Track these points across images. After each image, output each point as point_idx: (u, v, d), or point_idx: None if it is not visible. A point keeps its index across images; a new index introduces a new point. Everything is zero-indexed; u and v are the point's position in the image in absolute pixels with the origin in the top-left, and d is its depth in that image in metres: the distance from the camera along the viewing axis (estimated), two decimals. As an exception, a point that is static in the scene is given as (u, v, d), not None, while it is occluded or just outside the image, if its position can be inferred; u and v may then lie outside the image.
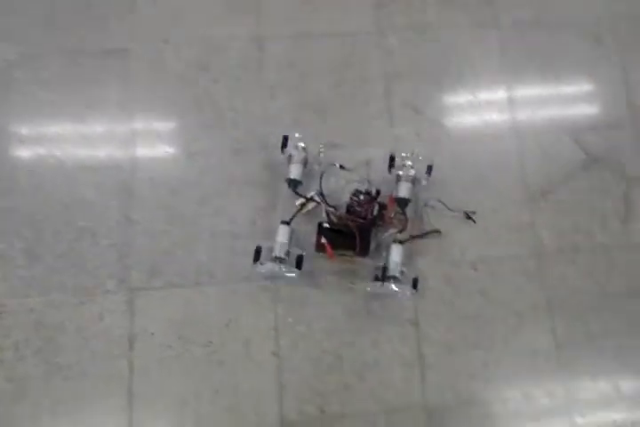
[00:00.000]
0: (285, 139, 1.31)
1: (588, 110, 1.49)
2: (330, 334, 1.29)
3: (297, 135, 1.32)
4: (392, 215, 1.29)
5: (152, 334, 1.27)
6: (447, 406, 1.26)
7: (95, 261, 1.30)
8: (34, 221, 1.32)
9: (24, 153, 1.38)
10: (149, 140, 1.41)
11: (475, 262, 1.35)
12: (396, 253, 1.25)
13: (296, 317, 1.29)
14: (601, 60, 1.52)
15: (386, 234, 1.31)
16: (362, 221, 1.25)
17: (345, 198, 1.28)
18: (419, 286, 1.24)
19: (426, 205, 1.37)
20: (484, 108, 1.47)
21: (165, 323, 1.27)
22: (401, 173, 1.31)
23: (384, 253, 1.27)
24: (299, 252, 1.24)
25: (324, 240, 1.24)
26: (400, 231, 1.29)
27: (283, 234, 1.24)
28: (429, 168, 1.31)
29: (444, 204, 1.36)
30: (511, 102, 1.48)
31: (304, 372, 1.26)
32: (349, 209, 1.26)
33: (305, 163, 1.32)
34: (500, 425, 1.26)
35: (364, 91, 1.47)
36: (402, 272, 1.24)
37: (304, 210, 1.30)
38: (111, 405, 1.23)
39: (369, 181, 1.31)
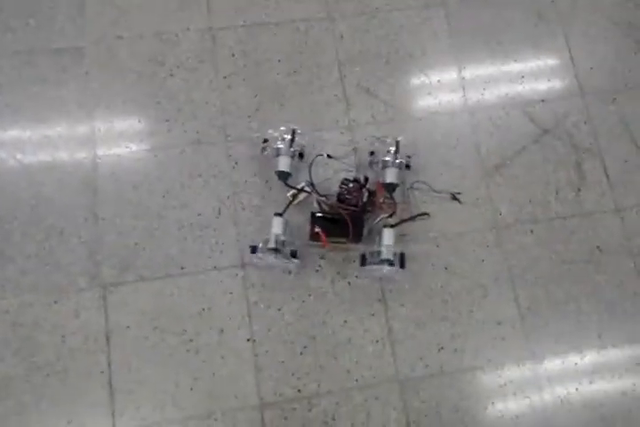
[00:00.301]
0: (265, 141, 1.35)
1: (535, 84, 1.52)
2: (301, 317, 1.32)
3: (282, 128, 1.36)
4: (381, 201, 1.33)
5: (127, 327, 1.29)
6: (419, 378, 1.31)
7: (66, 260, 1.32)
8: (1, 224, 1.33)
9: (-16, 157, 1.38)
10: (110, 137, 1.42)
11: (437, 238, 1.39)
12: (387, 237, 1.28)
13: (267, 302, 1.32)
14: (545, 34, 1.56)
15: (377, 219, 1.35)
16: (353, 208, 1.28)
17: (334, 187, 1.32)
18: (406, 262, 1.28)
19: (411, 187, 1.40)
20: (435, 87, 1.50)
21: (140, 316, 1.30)
22: (387, 158, 1.34)
23: (377, 238, 1.30)
24: (292, 245, 1.28)
25: (317, 229, 1.27)
26: (390, 216, 1.33)
27: (277, 225, 1.27)
28: (397, 144, 1.35)
29: (429, 186, 1.40)
30: (462, 80, 1.51)
31: (279, 355, 1.30)
32: (340, 197, 1.30)
33: (293, 155, 1.34)
34: (471, 393, 1.31)
35: (319, 76, 1.49)
36: (394, 254, 1.27)
37: (295, 201, 1.33)
38: (93, 399, 1.25)
39: (357, 169, 1.35)
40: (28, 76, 1.44)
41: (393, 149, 1.35)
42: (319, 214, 1.29)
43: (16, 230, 1.33)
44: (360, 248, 1.32)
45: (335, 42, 1.52)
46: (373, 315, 1.33)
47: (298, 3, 1.54)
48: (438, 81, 1.51)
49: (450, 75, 1.52)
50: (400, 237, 1.36)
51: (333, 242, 1.29)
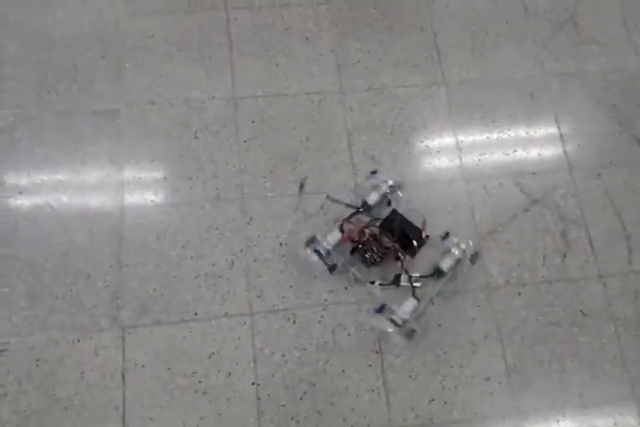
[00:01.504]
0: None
1: (527, 158, 1.66)
2: (303, 365, 1.42)
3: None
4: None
5: (142, 366, 1.39)
6: (410, 427, 1.39)
7: (90, 302, 1.43)
8: (34, 266, 1.45)
9: (24, 204, 1.52)
10: (137, 191, 1.55)
11: (432, 297, 1.50)
12: (409, 305, 1.40)
13: (272, 349, 1.42)
14: (536, 113, 1.72)
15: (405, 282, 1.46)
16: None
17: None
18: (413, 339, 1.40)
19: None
20: (434, 156, 1.64)
21: (154, 357, 1.40)
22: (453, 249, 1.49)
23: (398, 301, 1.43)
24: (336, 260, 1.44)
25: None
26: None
27: (334, 237, 1.44)
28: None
29: None
30: (459, 151, 1.66)
31: (280, 399, 1.39)
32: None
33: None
34: (458, 443, 1.39)
35: (329, 144, 1.64)
36: (404, 322, 1.38)
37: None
38: (106, 433, 1.34)
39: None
40: (68, 134, 1.59)
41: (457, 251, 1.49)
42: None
43: (47, 272, 1.45)
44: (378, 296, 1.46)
45: (345, 113, 1.67)
46: (370, 365, 1.43)
47: (312, 77, 1.71)
48: (437, 152, 1.65)
49: (448, 146, 1.66)
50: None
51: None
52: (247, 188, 1.56)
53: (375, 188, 1.52)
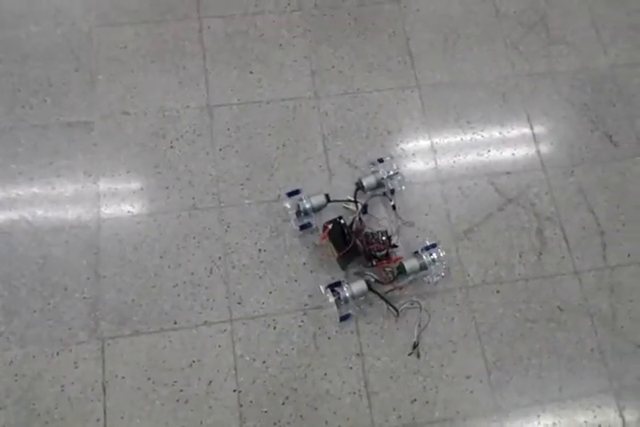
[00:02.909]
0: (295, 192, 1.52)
1: (501, 158, 1.68)
2: (284, 370, 1.43)
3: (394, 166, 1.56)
4: (386, 269, 1.49)
5: (123, 377, 1.39)
6: (393, 429, 1.40)
7: (68, 315, 1.43)
8: (10, 281, 1.45)
9: (-1, 219, 1.52)
10: (113, 202, 1.56)
11: (411, 297, 1.51)
12: (356, 287, 1.43)
13: (252, 355, 1.43)
14: (509, 114, 1.74)
15: (369, 272, 1.49)
16: (364, 248, 1.45)
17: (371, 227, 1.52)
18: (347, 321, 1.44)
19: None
20: (410, 158, 1.66)
21: (135, 367, 1.40)
22: (422, 254, 1.50)
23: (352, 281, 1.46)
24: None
25: (329, 225, 1.44)
26: (381, 282, 1.48)
27: (317, 199, 1.50)
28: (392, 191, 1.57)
29: None
30: (434, 154, 1.67)
31: (262, 405, 1.40)
32: (366, 234, 1.46)
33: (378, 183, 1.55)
34: (442, 443, 1.41)
35: (305, 149, 1.65)
36: (346, 301, 1.42)
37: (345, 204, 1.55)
38: (87, 445, 1.34)
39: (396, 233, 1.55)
40: (42, 147, 1.59)
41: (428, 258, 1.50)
42: (342, 221, 1.45)
43: (23, 287, 1.45)
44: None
45: (320, 118, 1.69)
46: (351, 368, 1.44)
47: (287, 84, 1.72)
48: (413, 154, 1.67)
49: (423, 149, 1.68)
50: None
51: (329, 243, 1.45)
52: (224, 196, 1.57)
53: (374, 173, 1.55)
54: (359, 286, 1.42)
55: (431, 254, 1.47)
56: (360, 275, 1.48)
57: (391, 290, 1.48)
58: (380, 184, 1.55)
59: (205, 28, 1.76)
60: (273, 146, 1.64)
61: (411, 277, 1.49)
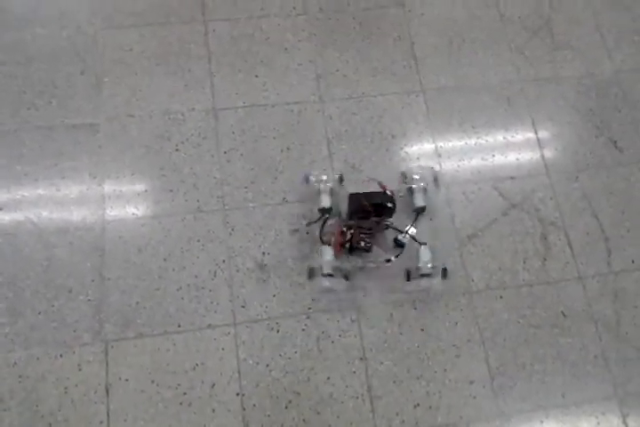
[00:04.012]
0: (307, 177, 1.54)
1: (505, 163, 1.68)
2: (287, 373, 1.43)
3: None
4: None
5: (126, 380, 1.39)
6: (395, 433, 1.40)
7: (72, 317, 1.43)
8: (15, 282, 1.45)
9: (4, 220, 1.52)
10: (118, 204, 1.56)
11: (415, 301, 1.51)
12: (424, 254, 1.45)
13: (256, 359, 1.43)
14: (514, 118, 1.74)
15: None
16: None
17: None
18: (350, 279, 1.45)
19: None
20: (414, 163, 1.66)
21: (138, 370, 1.40)
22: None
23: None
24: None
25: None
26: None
27: (327, 254, 1.44)
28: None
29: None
30: (438, 158, 1.67)
31: (265, 409, 1.39)
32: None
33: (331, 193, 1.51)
34: (444, 448, 1.40)
35: (310, 153, 1.65)
36: (432, 268, 1.44)
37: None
38: (90, 448, 1.34)
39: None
40: (48, 149, 1.59)
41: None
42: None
43: (28, 288, 1.45)
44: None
45: (325, 122, 1.69)
46: (354, 372, 1.44)
47: (292, 87, 1.72)
48: (417, 158, 1.67)
49: (427, 153, 1.68)
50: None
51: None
52: (228, 199, 1.57)
53: (320, 191, 1.53)
54: (327, 253, 1.44)
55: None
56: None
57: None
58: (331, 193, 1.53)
59: (211, 31, 1.76)
60: (278, 149, 1.64)
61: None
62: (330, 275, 1.41)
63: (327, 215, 1.50)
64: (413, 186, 1.55)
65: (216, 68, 1.72)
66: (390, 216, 1.49)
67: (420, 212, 1.53)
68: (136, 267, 1.48)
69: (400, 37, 1.80)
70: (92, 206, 1.54)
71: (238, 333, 1.44)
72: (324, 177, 1.52)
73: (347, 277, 1.43)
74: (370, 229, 1.46)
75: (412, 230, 1.50)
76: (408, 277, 1.44)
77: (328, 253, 1.44)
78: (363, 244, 1.45)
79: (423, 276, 1.43)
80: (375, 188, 1.49)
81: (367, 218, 1.47)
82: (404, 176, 1.57)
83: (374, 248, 1.48)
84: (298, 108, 1.69)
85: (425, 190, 1.55)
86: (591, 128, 1.74)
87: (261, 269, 1.50)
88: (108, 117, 1.64)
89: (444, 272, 1.43)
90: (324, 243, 1.46)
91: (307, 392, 1.41)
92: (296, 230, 1.53)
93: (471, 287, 1.53)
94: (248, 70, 1.72)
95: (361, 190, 1.48)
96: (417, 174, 1.56)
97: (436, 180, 1.56)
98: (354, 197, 1.47)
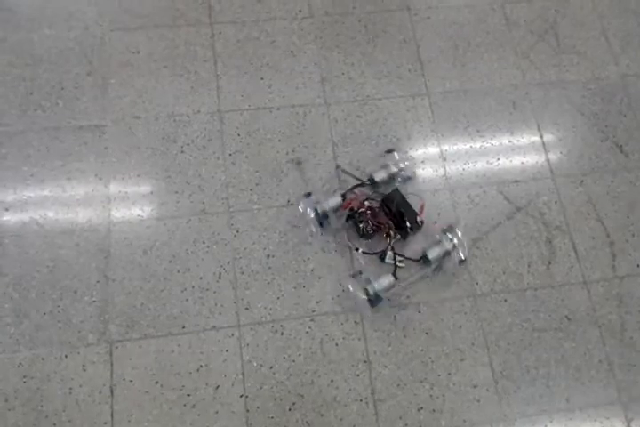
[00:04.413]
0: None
1: (510, 166, 1.68)
2: (291, 376, 1.43)
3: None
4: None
5: (131, 381, 1.40)
6: (399, 436, 1.40)
7: (77, 317, 1.44)
8: (20, 283, 1.46)
9: (10, 221, 1.52)
10: (124, 206, 1.56)
11: (419, 304, 1.51)
12: (385, 280, 1.45)
13: (260, 361, 1.43)
14: (519, 122, 1.74)
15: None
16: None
17: None
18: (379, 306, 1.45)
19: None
20: (419, 166, 1.66)
21: (142, 371, 1.41)
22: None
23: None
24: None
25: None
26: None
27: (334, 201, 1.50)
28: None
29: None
30: (443, 162, 1.68)
31: (269, 411, 1.40)
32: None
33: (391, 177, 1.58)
34: (448, 451, 1.40)
35: (315, 155, 1.65)
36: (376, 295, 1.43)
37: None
38: (94, 448, 1.35)
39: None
40: (54, 150, 1.60)
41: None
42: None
43: (33, 289, 1.46)
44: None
45: (330, 125, 1.69)
46: (358, 375, 1.44)
47: (297, 90, 1.73)
48: (422, 162, 1.67)
49: (432, 156, 1.68)
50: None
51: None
52: (233, 201, 1.57)
53: (385, 166, 1.57)
54: (386, 280, 1.45)
55: (451, 240, 1.51)
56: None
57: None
58: (391, 178, 1.57)
59: (217, 34, 1.77)
60: (282, 152, 1.64)
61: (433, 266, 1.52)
62: (317, 213, 1.47)
63: (367, 184, 1.56)
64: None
65: (222, 70, 1.72)
66: (403, 237, 1.53)
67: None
68: (141, 268, 1.49)
69: (405, 41, 1.81)
70: (97, 208, 1.55)
71: (242, 335, 1.44)
72: (401, 164, 1.58)
73: (321, 225, 1.48)
74: (379, 223, 1.49)
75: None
76: (355, 274, 1.46)
77: (336, 201, 1.50)
78: (363, 225, 1.49)
79: (365, 290, 1.43)
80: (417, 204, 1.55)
81: (387, 215, 1.50)
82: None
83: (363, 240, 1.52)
84: (303, 111, 1.70)
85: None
86: (596, 132, 1.74)
87: (266, 271, 1.50)
88: (114, 119, 1.64)
89: (377, 301, 1.43)
90: (342, 196, 1.51)
91: (310, 395, 1.41)
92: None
93: (475, 291, 1.53)
94: (254, 73, 1.73)
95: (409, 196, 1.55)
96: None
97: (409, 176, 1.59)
98: (395, 193, 1.52)
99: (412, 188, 1.60)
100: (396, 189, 1.53)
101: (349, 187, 1.54)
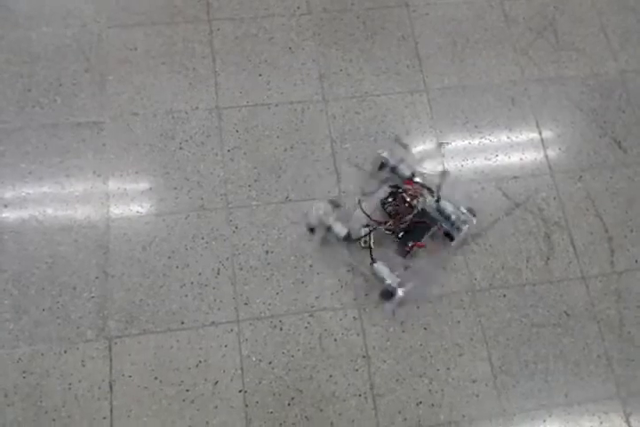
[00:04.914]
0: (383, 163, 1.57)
1: (509, 162, 1.68)
2: (290, 371, 1.43)
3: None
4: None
5: (130, 376, 1.40)
6: (398, 431, 1.40)
7: (76, 313, 1.44)
8: (19, 279, 1.46)
9: (9, 218, 1.52)
10: (122, 202, 1.56)
11: (417, 300, 1.51)
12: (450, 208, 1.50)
13: (259, 356, 1.43)
14: (518, 118, 1.74)
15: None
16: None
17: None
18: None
19: None
20: (417, 163, 1.66)
21: (142, 366, 1.41)
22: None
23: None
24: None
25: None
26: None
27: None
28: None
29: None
30: (442, 158, 1.68)
31: (268, 406, 1.40)
32: (391, 214, 1.52)
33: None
34: (447, 446, 1.40)
35: (313, 152, 1.65)
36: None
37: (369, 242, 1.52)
38: (93, 444, 1.35)
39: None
40: (52, 147, 1.60)
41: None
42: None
43: (32, 285, 1.46)
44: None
45: (328, 121, 1.69)
46: (357, 370, 1.44)
47: (295, 86, 1.73)
48: (420, 157, 1.67)
49: (431, 153, 1.68)
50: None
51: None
52: (232, 197, 1.57)
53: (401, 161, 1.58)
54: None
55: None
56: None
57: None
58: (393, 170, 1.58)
59: (215, 31, 1.77)
60: (281, 148, 1.64)
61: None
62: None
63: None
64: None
65: (220, 67, 1.72)
66: (397, 237, 1.52)
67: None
68: (140, 264, 1.49)
69: (404, 37, 1.81)
70: (96, 204, 1.55)
71: (241, 330, 1.45)
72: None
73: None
74: (397, 214, 1.51)
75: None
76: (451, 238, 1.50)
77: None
78: (390, 206, 1.52)
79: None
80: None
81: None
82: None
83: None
84: (301, 108, 1.70)
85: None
86: (595, 128, 1.74)
87: (264, 266, 1.50)
88: (112, 116, 1.65)
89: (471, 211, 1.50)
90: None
91: (309, 390, 1.41)
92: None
93: (474, 286, 1.53)
94: (252, 69, 1.73)
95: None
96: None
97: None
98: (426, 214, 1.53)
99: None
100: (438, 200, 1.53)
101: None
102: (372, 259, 1.46)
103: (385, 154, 1.55)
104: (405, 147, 1.60)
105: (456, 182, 1.64)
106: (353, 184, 1.62)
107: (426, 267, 1.51)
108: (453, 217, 1.49)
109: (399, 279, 1.43)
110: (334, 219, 1.47)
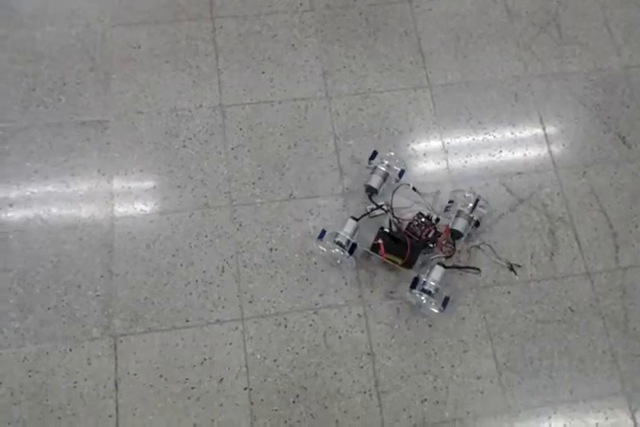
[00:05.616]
0: (374, 153, 1.57)
1: (512, 158, 1.68)
2: (295, 368, 1.43)
3: (388, 154, 1.59)
4: (443, 242, 1.51)
5: (135, 374, 1.41)
6: (403, 428, 1.40)
7: (81, 312, 1.45)
8: (25, 278, 1.47)
9: (14, 217, 1.53)
10: (127, 200, 1.57)
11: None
12: (436, 273, 1.44)
13: (263, 353, 1.44)
14: (521, 114, 1.73)
15: (433, 256, 1.52)
16: (417, 238, 1.47)
17: (408, 216, 1.52)
18: (447, 306, 1.44)
19: (477, 246, 1.58)
20: (421, 159, 1.66)
21: (147, 364, 1.41)
22: (461, 209, 1.53)
23: (427, 271, 1.47)
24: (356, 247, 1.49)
25: (380, 241, 1.45)
26: (446, 257, 1.51)
27: (349, 226, 1.47)
28: (476, 202, 1.54)
29: (493, 250, 1.58)
30: (445, 154, 1.67)
31: (273, 403, 1.40)
32: (410, 226, 1.49)
33: (385, 177, 1.56)
34: (452, 443, 1.41)
35: (317, 149, 1.66)
36: (436, 289, 1.42)
37: (371, 213, 1.53)
38: (100, 442, 1.35)
39: (432, 209, 1.56)
40: (57, 146, 1.61)
41: (471, 204, 1.53)
42: (386, 230, 1.47)
43: (38, 284, 1.47)
44: (408, 274, 1.50)
45: (331, 118, 1.69)
46: (362, 367, 1.44)
47: (299, 83, 1.73)
48: (424, 154, 1.67)
49: (435, 149, 1.68)
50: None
51: (389, 259, 1.46)
52: (236, 195, 1.57)
53: (374, 170, 1.58)
54: (437, 271, 1.45)
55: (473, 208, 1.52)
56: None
57: (457, 267, 1.55)
58: (385, 176, 1.56)
59: (218, 28, 1.77)
60: (284, 145, 1.64)
61: (465, 235, 1.53)
62: (340, 244, 1.46)
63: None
64: (460, 209, 1.55)
65: (223, 64, 1.72)
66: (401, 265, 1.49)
67: (454, 236, 1.55)
68: (144, 262, 1.49)
69: (407, 33, 1.80)
70: (100, 203, 1.55)
71: (246, 328, 1.45)
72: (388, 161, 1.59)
73: (351, 252, 1.47)
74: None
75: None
76: (413, 285, 1.44)
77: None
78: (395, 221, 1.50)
79: (425, 292, 1.42)
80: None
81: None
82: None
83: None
84: (304, 105, 1.70)
85: (471, 220, 1.55)
86: (599, 124, 1.73)
87: (269, 264, 1.50)
88: (116, 114, 1.65)
89: (445, 301, 1.43)
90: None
91: (314, 387, 1.41)
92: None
93: (479, 282, 1.53)
94: (255, 67, 1.73)
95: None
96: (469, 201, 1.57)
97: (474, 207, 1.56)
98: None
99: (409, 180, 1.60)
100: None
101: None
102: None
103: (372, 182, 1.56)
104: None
105: (459, 179, 1.63)
106: (356, 181, 1.60)
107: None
108: (431, 283, 1.45)
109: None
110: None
